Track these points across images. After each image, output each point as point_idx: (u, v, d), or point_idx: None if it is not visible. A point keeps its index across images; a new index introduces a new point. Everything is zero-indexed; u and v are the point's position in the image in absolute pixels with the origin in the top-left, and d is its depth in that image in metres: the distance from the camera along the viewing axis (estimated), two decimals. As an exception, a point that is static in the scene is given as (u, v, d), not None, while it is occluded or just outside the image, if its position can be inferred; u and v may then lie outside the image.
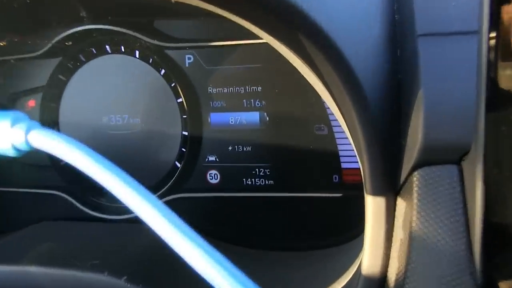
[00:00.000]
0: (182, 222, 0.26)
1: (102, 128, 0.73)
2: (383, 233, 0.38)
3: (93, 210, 0.75)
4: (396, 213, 0.37)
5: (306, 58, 0.43)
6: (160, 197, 0.71)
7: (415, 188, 0.35)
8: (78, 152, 0.27)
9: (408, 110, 0.36)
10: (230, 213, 0.71)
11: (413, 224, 0.35)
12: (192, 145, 0.70)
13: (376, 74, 0.37)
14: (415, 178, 0.35)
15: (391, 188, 0.37)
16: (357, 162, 0.47)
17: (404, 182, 0.36)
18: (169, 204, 0.30)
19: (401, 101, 0.37)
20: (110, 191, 0.28)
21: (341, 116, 0.44)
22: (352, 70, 0.36)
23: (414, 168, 0.35)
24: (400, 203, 0.37)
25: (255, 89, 0.67)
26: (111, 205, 0.75)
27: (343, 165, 0.65)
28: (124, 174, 0.27)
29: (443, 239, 0.34)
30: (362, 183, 0.40)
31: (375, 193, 0.37)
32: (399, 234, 0.37)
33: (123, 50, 0.72)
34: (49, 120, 0.75)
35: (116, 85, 0.72)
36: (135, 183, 0.27)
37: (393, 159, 0.37)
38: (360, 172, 0.41)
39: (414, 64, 0.36)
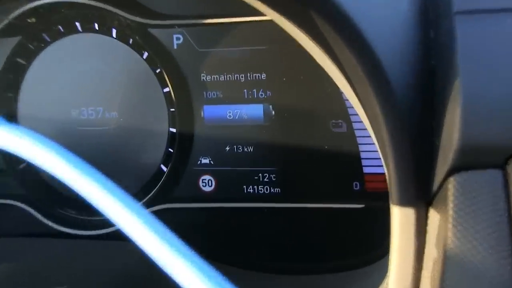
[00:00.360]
0: (174, 235, 0.27)
1: (71, 124, 0.74)
2: (412, 252, 0.38)
3: (59, 224, 0.75)
4: (428, 227, 0.38)
5: (318, 38, 0.44)
6: (142, 208, 0.72)
7: (451, 197, 0.36)
8: (54, 153, 0.28)
9: (443, 103, 0.37)
10: (227, 227, 0.71)
11: (449, 241, 0.35)
12: (182, 145, 0.71)
13: (403, 57, 0.37)
14: (450, 185, 0.36)
15: (422, 197, 0.38)
16: (382, 166, 0.48)
17: (438, 189, 0.37)
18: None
19: (434, 91, 0.38)
20: (92, 202, 0.29)
21: (362, 110, 0.45)
22: (373, 52, 0.36)
23: (450, 173, 0.36)
24: (433, 215, 0.37)
25: (258, 76, 0.68)
26: (81, 218, 0.76)
27: (366, 170, 0.66)
28: (107, 179, 0.28)
29: (484, 258, 0.34)
30: (388, 191, 0.40)
31: (403, 203, 0.38)
32: (431, 252, 0.37)
33: (97, 28, 0.72)
34: (5, 113, 0.75)
35: (88, 71, 0.73)
36: (120, 189, 0.28)
37: (424, 161, 0.37)
38: (386, 178, 0.42)
39: (450, 47, 0.37)
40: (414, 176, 0.38)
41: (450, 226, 0.35)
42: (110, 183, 0.29)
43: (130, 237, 0.31)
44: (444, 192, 0.36)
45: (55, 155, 0.29)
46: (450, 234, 0.35)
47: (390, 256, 0.40)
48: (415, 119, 0.37)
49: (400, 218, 0.38)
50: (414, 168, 0.38)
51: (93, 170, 0.29)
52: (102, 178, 0.29)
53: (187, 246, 0.28)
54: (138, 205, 0.28)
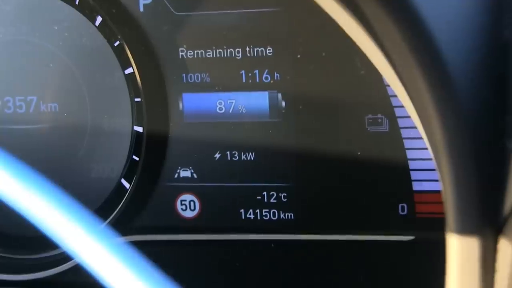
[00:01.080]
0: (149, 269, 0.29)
1: (-9, 120, 0.76)
2: (477, 299, 0.40)
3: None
4: (498, 263, 0.39)
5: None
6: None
7: (529, 222, 0.37)
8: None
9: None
10: (217, 269, 0.73)
11: (526, 282, 0.37)
12: (151, 150, 0.73)
13: (463, 26, 0.39)
14: (529, 206, 0.37)
15: (489, 222, 0.39)
16: (438, 180, 0.48)
17: (511, 212, 0.38)
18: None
19: (508, 73, 0.39)
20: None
21: (410, 101, 0.46)
22: (420, 18, 0.38)
23: (528, 188, 0.38)
24: (505, 247, 0.39)
25: (262, 51, 0.69)
26: (4, 257, 0.77)
27: (416, 187, 0.67)
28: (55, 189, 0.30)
29: None
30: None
31: (464, 231, 0.40)
32: (504, 299, 0.39)
33: (29, -18, 0.74)
34: None
35: (16, 44, 0.75)
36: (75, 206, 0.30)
37: (492, 173, 0.39)
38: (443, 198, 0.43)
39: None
40: (479, 193, 0.39)
41: (527, 261, 0.37)
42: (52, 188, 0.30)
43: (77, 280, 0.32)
44: (519, 216, 0.38)
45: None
46: (527, 272, 0.37)
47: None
48: (479, 113, 0.39)
49: (461, 252, 0.40)
50: (478, 183, 0.39)
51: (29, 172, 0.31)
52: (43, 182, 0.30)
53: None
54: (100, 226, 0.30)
